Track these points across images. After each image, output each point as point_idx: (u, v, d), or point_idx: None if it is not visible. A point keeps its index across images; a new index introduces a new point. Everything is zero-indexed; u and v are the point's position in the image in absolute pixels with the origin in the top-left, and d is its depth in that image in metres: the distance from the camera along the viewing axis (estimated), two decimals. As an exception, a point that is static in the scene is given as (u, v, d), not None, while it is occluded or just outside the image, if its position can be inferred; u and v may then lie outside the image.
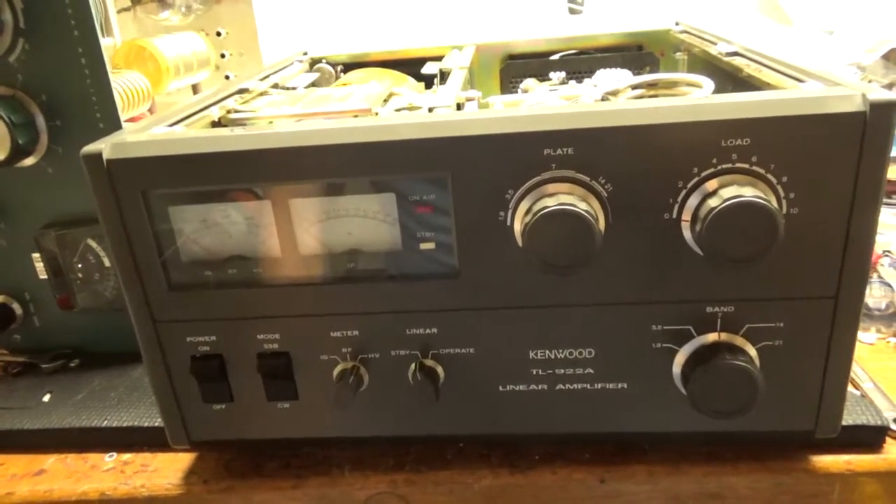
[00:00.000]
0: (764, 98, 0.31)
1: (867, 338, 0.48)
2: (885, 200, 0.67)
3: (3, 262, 0.50)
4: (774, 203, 0.30)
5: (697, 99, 0.33)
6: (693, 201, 0.31)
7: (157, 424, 0.42)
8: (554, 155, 0.31)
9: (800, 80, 0.35)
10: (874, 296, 0.50)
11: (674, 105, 0.31)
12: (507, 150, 0.31)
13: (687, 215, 0.31)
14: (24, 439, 0.44)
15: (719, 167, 0.31)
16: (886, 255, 0.57)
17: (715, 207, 0.29)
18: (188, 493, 0.40)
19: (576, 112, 0.32)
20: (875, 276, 0.55)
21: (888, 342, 0.48)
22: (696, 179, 0.31)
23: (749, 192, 0.29)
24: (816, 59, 0.82)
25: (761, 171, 0.30)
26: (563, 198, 0.30)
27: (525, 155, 0.31)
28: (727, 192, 0.30)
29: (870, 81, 0.77)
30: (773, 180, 0.31)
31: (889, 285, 0.52)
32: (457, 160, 0.32)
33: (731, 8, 0.94)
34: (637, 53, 0.63)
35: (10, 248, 0.50)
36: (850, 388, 0.42)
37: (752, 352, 0.34)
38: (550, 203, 0.30)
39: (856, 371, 0.44)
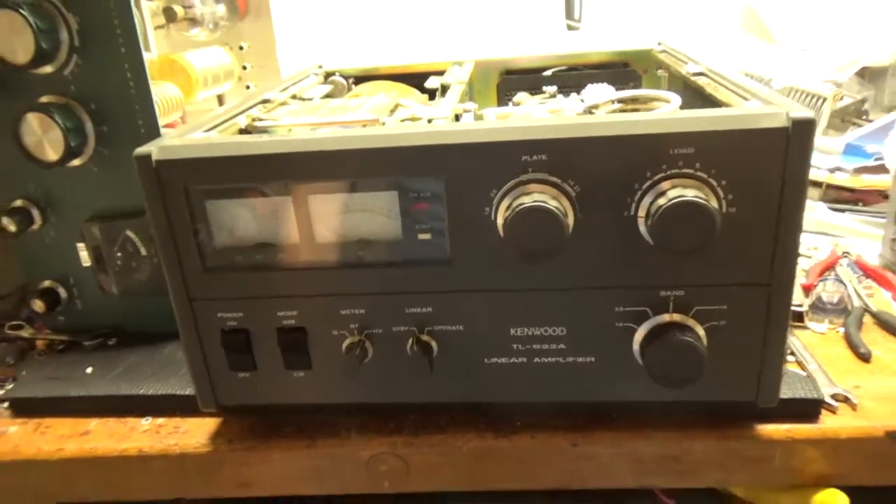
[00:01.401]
0: (706, 114, 0.37)
1: (819, 328, 0.54)
2: (850, 208, 0.73)
3: (52, 251, 0.56)
4: (714, 203, 0.36)
5: (652, 114, 0.39)
6: (647, 200, 0.37)
7: (187, 393, 0.48)
8: (530, 160, 0.37)
9: (745, 99, 0.41)
10: (828, 291, 0.56)
11: (631, 119, 0.37)
12: (491, 156, 0.37)
13: (642, 212, 0.37)
14: (71, 405, 0.50)
15: (668, 172, 0.36)
16: (845, 256, 0.63)
17: (662, 205, 0.35)
18: (214, 451, 0.46)
19: (549, 125, 0.38)
20: (833, 274, 0.60)
21: (837, 331, 0.53)
22: (649, 182, 0.37)
23: (691, 193, 0.35)
24: (794, 76, 0.88)
25: (704, 175, 0.36)
26: (537, 196, 0.36)
27: (506, 160, 0.37)
28: (673, 193, 0.35)
29: (842, 98, 0.83)
30: (714, 183, 0.37)
31: (843, 282, 0.58)
32: (450, 164, 0.38)
33: (718, 26, 1.00)
34: (622, 70, 0.69)
35: (58, 239, 0.56)
36: (797, 369, 0.48)
37: (701, 331, 0.40)
38: (526, 201, 0.36)
39: (804, 355, 0.50)
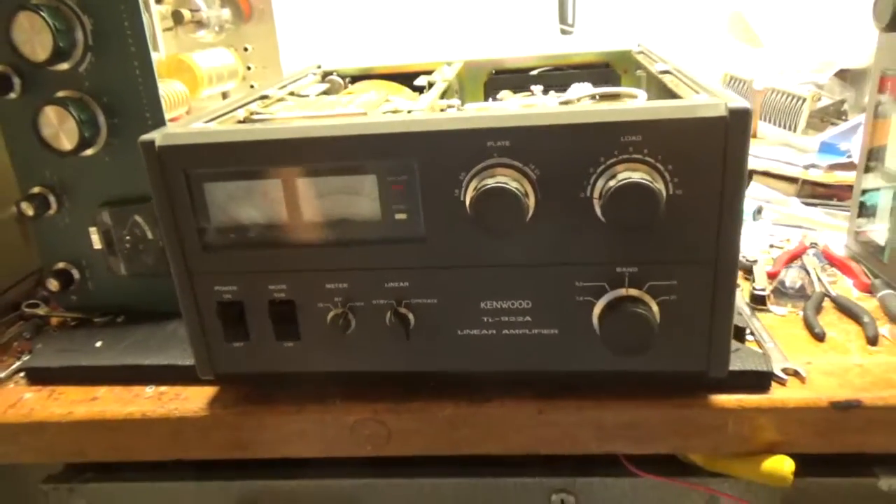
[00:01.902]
0: (652, 105, 0.41)
1: (780, 311, 0.57)
2: (824, 203, 0.76)
3: (66, 235, 0.61)
4: (660, 185, 0.40)
5: (605, 105, 0.43)
6: (600, 183, 0.41)
7: (187, 363, 0.52)
8: (495, 146, 0.41)
9: (696, 92, 0.45)
10: (791, 277, 0.59)
11: (586, 109, 0.41)
12: (459, 142, 0.41)
13: (597, 194, 0.41)
14: (82, 374, 0.55)
15: (619, 157, 0.40)
16: (813, 247, 0.66)
17: (612, 187, 0.39)
18: (211, 415, 0.50)
19: (511, 114, 0.41)
20: (798, 262, 0.64)
21: (798, 314, 0.57)
22: (602, 166, 0.41)
23: (637, 176, 0.39)
24: (775, 77, 0.91)
25: (651, 160, 0.40)
26: (500, 178, 0.40)
27: (473, 146, 0.41)
28: (622, 176, 0.39)
29: (820, 99, 0.86)
30: (661, 168, 0.40)
31: (806, 270, 0.61)
32: (422, 149, 0.42)
33: (706, 30, 1.03)
34: (604, 70, 0.73)
35: (72, 224, 0.61)
36: (754, 347, 0.51)
37: (654, 305, 0.43)
38: (490, 182, 0.40)
39: (762, 335, 0.53)
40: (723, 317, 0.43)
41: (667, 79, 0.54)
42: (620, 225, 0.40)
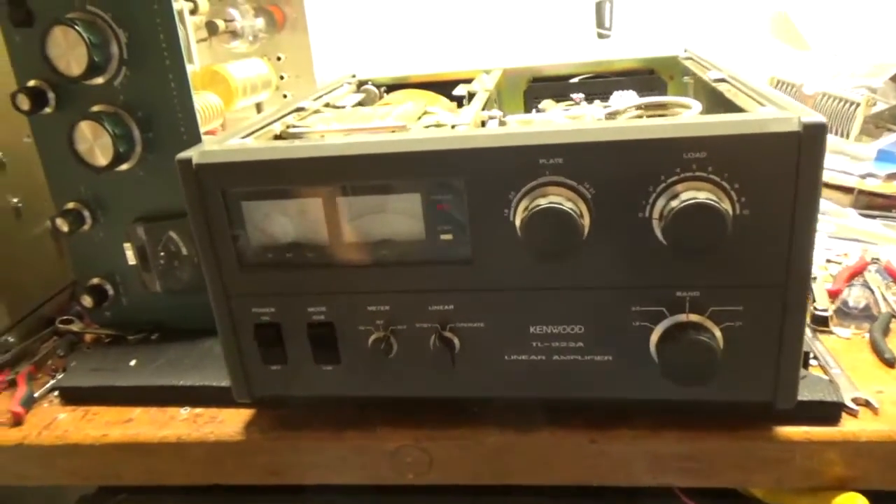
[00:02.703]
0: (718, 119, 0.38)
1: (844, 333, 0.54)
2: (883, 214, 0.72)
3: (100, 250, 0.60)
4: (726, 205, 0.37)
5: (666, 120, 0.40)
6: (661, 202, 0.38)
7: (223, 384, 0.51)
8: (547, 164, 0.39)
9: (761, 104, 0.42)
10: (854, 296, 0.56)
11: (646, 124, 0.38)
12: (510, 160, 0.39)
13: (656, 214, 0.39)
14: (116, 394, 0.53)
15: (682, 175, 0.38)
16: (874, 263, 0.63)
17: (675, 207, 0.37)
18: (247, 440, 0.49)
19: (566, 129, 0.39)
20: (860, 279, 0.60)
21: (863, 337, 0.53)
22: (663, 185, 0.38)
23: (703, 196, 0.36)
24: (826, 81, 0.87)
25: (716, 178, 0.37)
26: (553, 198, 0.38)
27: (524, 164, 0.39)
28: (685, 196, 0.37)
29: (875, 104, 0.82)
30: (727, 186, 0.37)
31: (870, 288, 0.58)
32: (470, 167, 0.40)
33: (749, 32, 1.00)
34: (648, 77, 0.70)
35: (106, 239, 0.60)
36: (819, 373, 0.48)
37: (717, 331, 0.41)
38: (543, 202, 0.38)
39: (827, 360, 0.50)
40: (792, 344, 0.41)
41: (723, 87, 0.51)
42: (683, 248, 0.37)
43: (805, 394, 0.44)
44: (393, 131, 0.49)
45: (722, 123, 0.37)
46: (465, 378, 0.45)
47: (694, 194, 0.36)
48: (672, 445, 0.45)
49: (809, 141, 0.36)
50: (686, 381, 0.40)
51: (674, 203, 0.37)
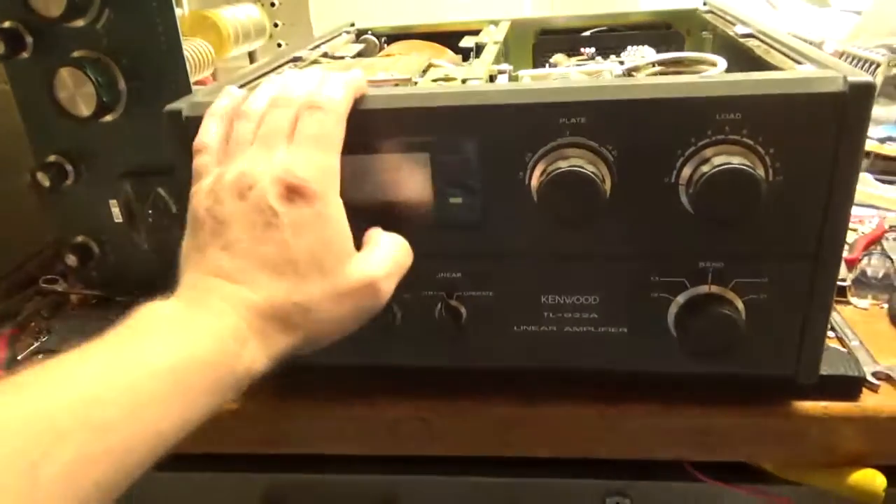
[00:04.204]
0: (754, 78, 0.35)
1: (862, 303, 0.52)
2: (900, 179, 0.69)
3: (85, 207, 0.57)
4: (760, 171, 0.34)
5: (697, 77, 0.37)
6: (689, 167, 0.35)
7: (217, 350, 0.49)
8: (568, 123, 0.36)
9: (798, 62, 0.39)
10: (873, 265, 0.54)
11: (675, 82, 0.35)
12: (527, 118, 0.36)
13: (684, 179, 0.36)
14: (104, 358, 0.51)
15: (714, 138, 0.35)
16: (892, 230, 0.61)
17: (706, 172, 0.34)
18: (246, 409, 0.47)
19: (589, 86, 0.36)
20: (878, 248, 0.58)
21: (881, 307, 0.52)
22: (692, 148, 0.35)
23: (737, 161, 0.34)
24: (846, 40, 0.84)
25: (750, 142, 0.35)
26: (574, 161, 0.35)
27: (543, 123, 0.36)
28: (718, 160, 0.34)
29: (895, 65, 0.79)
30: (761, 151, 0.35)
31: (889, 258, 0.56)
32: (483, 126, 0.37)
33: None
34: (664, 32, 0.67)
35: (92, 195, 0.56)
36: (837, 345, 0.47)
37: (740, 304, 0.39)
38: (563, 165, 0.35)
39: (845, 331, 0.48)
40: (818, 318, 0.39)
41: (752, 44, 0.48)
42: (712, 216, 0.35)
43: (825, 368, 0.42)
44: (397, 84, 0.46)
45: (760, 82, 0.34)
46: (472, 348, 0.43)
47: (727, 159, 0.34)
48: (685, 419, 0.43)
49: (855, 102, 0.33)
50: (706, 356, 0.39)
51: (704, 168, 0.34)
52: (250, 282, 0.31)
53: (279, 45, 0.76)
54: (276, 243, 0.31)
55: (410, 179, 0.39)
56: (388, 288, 0.34)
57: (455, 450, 0.47)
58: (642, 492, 0.49)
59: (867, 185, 0.70)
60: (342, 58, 0.59)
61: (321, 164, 0.33)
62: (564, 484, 0.50)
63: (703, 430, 0.43)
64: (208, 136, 0.36)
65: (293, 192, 0.32)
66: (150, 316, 0.30)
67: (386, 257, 0.35)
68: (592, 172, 0.35)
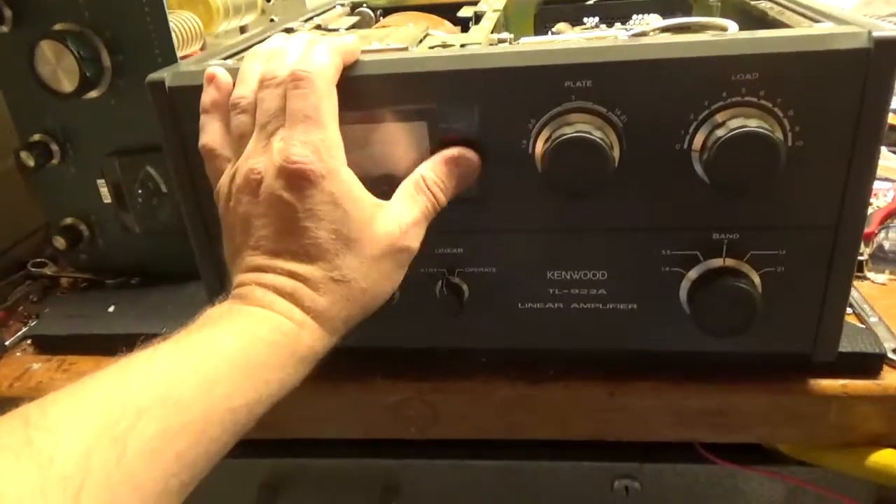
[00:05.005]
0: (772, 35, 0.33)
1: (879, 278, 0.50)
2: (916, 151, 0.67)
3: (72, 188, 0.55)
4: (779, 135, 0.32)
5: (710, 36, 0.35)
6: (703, 132, 0.33)
7: (210, 333, 0.47)
8: (574, 87, 0.34)
9: (815, 21, 0.37)
10: (891, 239, 0.52)
11: (686, 41, 0.33)
12: (530, 82, 0.34)
13: (697, 146, 0.34)
14: (94, 343, 0.49)
15: (728, 100, 0.33)
16: (909, 203, 0.58)
17: (721, 137, 0.32)
18: (238, 393, 0.45)
19: (595, 47, 0.34)
20: (895, 221, 0.56)
21: (899, 283, 0.50)
22: (706, 112, 0.33)
23: (754, 124, 0.31)
24: (858, 7, 0.81)
25: (768, 104, 0.32)
26: (581, 126, 0.33)
27: (547, 87, 0.34)
28: (734, 124, 0.32)
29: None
30: (780, 113, 0.33)
31: (907, 230, 0.54)
32: (484, 91, 0.35)
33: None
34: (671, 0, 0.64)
35: (78, 175, 0.54)
36: (855, 321, 0.45)
37: (755, 277, 0.37)
38: (568, 131, 0.33)
39: (863, 307, 0.46)
40: (838, 292, 0.37)
41: (764, 6, 0.45)
42: (727, 184, 0.33)
43: (844, 345, 0.40)
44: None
45: (777, 39, 0.32)
46: (475, 328, 0.41)
47: (743, 122, 0.32)
48: (698, 399, 0.42)
49: (881, 59, 0.31)
50: (720, 332, 0.37)
51: (719, 132, 0.32)
52: (288, 272, 0.32)
53: (272, 21, 0.74)
54: (298, 233, 0.32)
55: (407, 150, 0.37)
56: (416, 234, 0.35)
57: (458, 433, 0.45)
58: (652, 474, 0.47)
59: (882, 158, 0.68)
60: (336, 30, 0.57)
61: (317, 142, 0.32)
62: (571, 467, 0.48)
63: (716, 410, 0.42)
64: (210, 136, 0.36)
65: (298, 178, 0.32)
66: (210, 314, 0.32)
67: (404, 206, 0.35)
68: (600, 138, 0.33)
